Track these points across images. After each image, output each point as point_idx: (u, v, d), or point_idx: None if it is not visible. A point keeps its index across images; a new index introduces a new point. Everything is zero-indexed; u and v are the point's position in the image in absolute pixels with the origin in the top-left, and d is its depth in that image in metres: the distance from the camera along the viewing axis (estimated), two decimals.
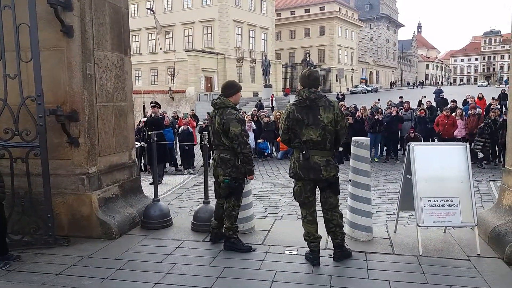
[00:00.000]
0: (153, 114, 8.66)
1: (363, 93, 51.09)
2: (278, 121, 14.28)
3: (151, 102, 8.74)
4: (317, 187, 3.76)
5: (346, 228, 4.47)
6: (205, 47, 41.66)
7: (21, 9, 4.00)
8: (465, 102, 17.32)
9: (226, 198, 4.09)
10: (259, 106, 28.24)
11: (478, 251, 3.97)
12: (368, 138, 4.48)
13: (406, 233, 4.62)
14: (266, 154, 13.70)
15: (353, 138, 4.44)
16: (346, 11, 64.73)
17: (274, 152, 14.31)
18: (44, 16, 4.22)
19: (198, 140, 12.42)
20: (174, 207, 6.26)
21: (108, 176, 4.85)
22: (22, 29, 4.01)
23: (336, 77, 58.37)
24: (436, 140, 12.06)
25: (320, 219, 3.81)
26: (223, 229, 4.19)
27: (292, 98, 34.50)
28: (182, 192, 7.76)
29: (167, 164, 11.04)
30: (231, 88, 4.07)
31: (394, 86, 72.72)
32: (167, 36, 43.59)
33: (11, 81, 4.02)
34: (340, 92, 37.60)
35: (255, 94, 39.80)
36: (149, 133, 8.61)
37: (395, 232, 4.61)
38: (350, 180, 4.44)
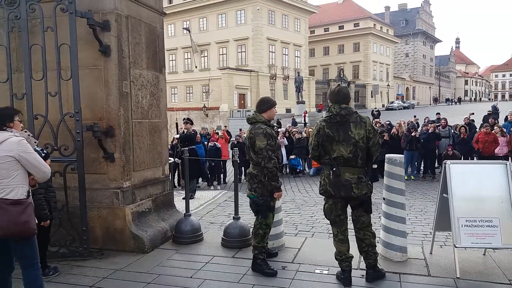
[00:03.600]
0: (185, 131, 8.84)
1: (399, 109, 49.93)
2: (309, 137, 14.19)
3: (184, 119, 8.93)
4: (349, 205, 3.68)
5: (380, 248, 4.33)
6: (239, 65, 42.36)
7: (62, 30, 4.21)
8: (506, 119, 16.55)
9: (255, 215, 4.07)
10: (293, 123, 28.29)
11: None
12: (402, 156, 4.36)
13: (443, 254, 4.41)
14: (298, 170, 13.59)
15: (386, 156, 4.34)
16: (381, 27, 64.09)
17: (307, 168, 14.18)
18: (84, 37, 4.45)
19: (230, 156, 12.54)
20: (205, 222, 6.29)
21: (142, 191, 4.97)
22: (63, 49, 4.23)
23: (371, 93, 57.55)
24: (475, 158, 11.56)
25: (352, 238, 3.71)
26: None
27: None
28: (214, 208, 7.80)
29: (200, 179, 11.19)
30: (265, 104, 4.08)
31: (437, 103, 70.49)
32: (202, 55, 44.73)
33: (51, 98, 4.25)
34: (376, 108, 36.94)
35: (288, 110, 39.82)
36: (182, 149, 8.82)
37: (431, 253, 4.42)
38: (384, 199, 4.32)
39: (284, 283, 3.71)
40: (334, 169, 3.54)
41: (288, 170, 13.53)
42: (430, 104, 68.89)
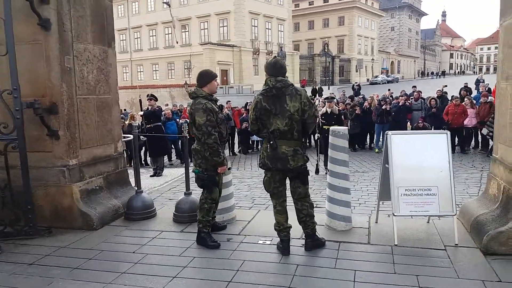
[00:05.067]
0: (149, 107, 8.72)
1: (383, 83, 49.97)
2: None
3: (148, 95, 8.78)
4: (287, 177, 3.70)
5: (325, 218, 4.41)
6: (221, 40, 41.74)
7: None
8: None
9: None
10: None
11: (456, 241, 3.84)
12: (346, 128, 4.38)
13: (387, 223, 4.49)
14: None
15: (331, 128, 4.36)
16: (366, 0, 63.38)
17: None
18: (22, 9, 4.28)
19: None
20: (164, 199, 6.30)
21: (91, 168, 4.92)
22: None
23: (356, 67, 57.33)
24: (445, 129, 11.70)
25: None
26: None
27: (309, 90, 34.01)
28: (178, 185, 7.80)
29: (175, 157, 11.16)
30: (205, 77, 4.01)
31: (424, 76, 70.71)
32: (183, 30, 43.87)
33: None
34: (356, 82, 36.89)
35: None
36: (147, 126, 8.74)
37: (376, 222, 4.51)
38: (328, 170, 4.35)
39: (225, 254, 3.76)
40: (271, 142, 3.54)
41: (256, 145, 13.46)
42: (415, 78, 69.19)
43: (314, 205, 3.87)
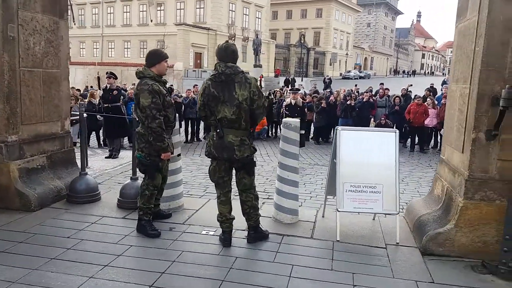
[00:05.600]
0: (108, 85, 8.37)
1: (355, 78, 50.67)
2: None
3: (107, 73, 8.41)
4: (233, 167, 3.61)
5: (272, 210, 4.37)
6: (197, 21, 40.91)
7: None
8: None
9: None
10: None
11: (398, 240, 3.89)
12: (297, 120, 4.32)
13: (334, 218, 4.48)
14: None
15: (283, 120, 4.29)
16: None
17: None
18: None
19: None
20: (113, 183, 6.09)
21: (33, 146, 4.66)
22: None
23: (330, 61, 57.86)
24: (407, 128, 11.96)
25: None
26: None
27: (282, 80, 33.78)
28: (130, 168, 7.55)
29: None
30: (153, 57, 3.82)
31: (396, 74, 72.07)
32: (158, 8, 42.66)
33: None
34: (327, 76, 37.25)
35: (246, 73, 39.25)
36: (105, 105, 8.42)
37: (323, 217, 4.52)
38: (278, 162, 4.30)
39: (164, 244, 3.65)
40: (218, 130, 3.43)
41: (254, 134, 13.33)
42: (386, 75, 70.50)
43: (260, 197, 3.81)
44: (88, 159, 7.53)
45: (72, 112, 5.38)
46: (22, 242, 3.57)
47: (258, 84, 3.52)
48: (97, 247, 3.53)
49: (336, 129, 4.05)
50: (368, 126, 12.56)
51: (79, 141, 7.32)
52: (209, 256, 3.45)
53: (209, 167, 3.66)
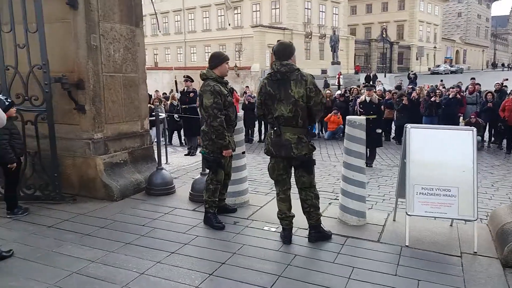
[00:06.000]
0: (185, 88, 8.85)
1: (445, 73, 47.10)
2: (327, 99, 13.83)
3: (184, 76, 8.91)
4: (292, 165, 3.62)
5: (337, 211, 4.29)
6: (273, 22, 41.22)
7: None
8: None
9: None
10: (325, 84, 27.60)
11: (475, 249, 3.56)
12: (363, 118, 4.17)
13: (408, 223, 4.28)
14: (312, 133, 13.38)
15: (347, 117, 4.18)
16: None
17: (324, 132, 13.93)
18: None
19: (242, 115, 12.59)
20: (188, 178, 6.43)
21: (116, 143, 5.13)
22: (30, 2, 4.28)
23: (416, 55, 54.47)
24: (502, 127, 10.82)
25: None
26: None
27: (362, 76, 32.61)
28: None
29: None
30: (215, 59, 3.99)
31: (495, 68, 65.57)
32: (235, 12, 43.83)
33: (21, 50, 4.37)
34: (412, 71, 35.09)
35: (324, 71, 38.71)
36: (183, 107, 8.93)
37: (394, 220, 4.30)
38: (343, 162, 4.21)
39: (227, 236, 3.80)
40: (275, 128, 3.48)
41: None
42: (482, 69, 64.45)
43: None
44: (169, 156, 8.10)
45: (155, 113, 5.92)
46: (104, 228, 3.97)
47: (315, 81, 3.48)
48: (167, 236, 3.79)
49: (406, 127, 3.84)
50: (457, 125, 11.67)
51: (162, 140, 7.90)
52: (268, 251, 3.50)
53: (268, 165, 3.71)
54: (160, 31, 46.09)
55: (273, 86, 3.44)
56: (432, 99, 11.13)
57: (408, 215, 3.75)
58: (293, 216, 3.69)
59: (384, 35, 49.14)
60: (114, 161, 5.06)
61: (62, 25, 4.64)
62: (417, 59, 54.46)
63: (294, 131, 3.43)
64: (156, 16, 39.17)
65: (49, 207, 4.52)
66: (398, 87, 14.93)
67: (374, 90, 9.75)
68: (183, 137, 11.27)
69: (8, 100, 4.00)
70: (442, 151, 3.73)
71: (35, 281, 2.90)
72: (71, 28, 4.62)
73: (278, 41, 3.67)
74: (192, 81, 8.84)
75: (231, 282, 2.97)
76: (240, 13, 44.00)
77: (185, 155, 9.03)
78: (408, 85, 17.19)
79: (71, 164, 4.92)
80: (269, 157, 3.68)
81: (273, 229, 3.98)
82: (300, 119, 3.42)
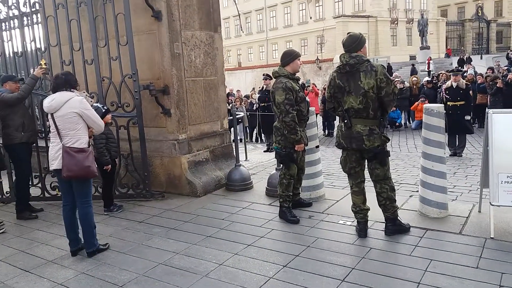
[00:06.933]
0: (264, 86, 9.04)
1: None
2: (414, 87, 13.11)
3: (264, 75, 9.10)
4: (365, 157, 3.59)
5: (417, 203, 4.13)
6: (356, 11, 39.87)
7: (119, 1, 4.77)
8: None
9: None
10: (412, 71, 26.00)
11: None
12: (441, 105, 3.95)
13: (493, 213, 3.97)
14: (397, 124, 12.81)
15: (424, 106, 4.00)
16: None
17: (411, 121, 13.26)
18: (140, 5, 4.98)
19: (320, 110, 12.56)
20: (265, 173, 6.62)
21: (199, 143, 5.52)
22: (121, 18, 4.80)
23: None
24: None
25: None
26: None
27: (455, 60, 30.03)
28: None
29: None
30: (287, 57, 4.09)
31: None
32: (317, 5, 43.26)
33: (114, 62, 4.93)
34: (511, 51, 31.19)
35: (412, 57, 36.35)
36: (261, 105, 9.16)
37: (479, 212, 4.02)
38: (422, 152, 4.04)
39: (301, 230, 3.89)
40: (346, 121, 3.48)
41: (386, 123, 12.84)
42: None
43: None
44: (248, 153, 8.42)
45: (236, 112, 6.28)
46: (188, 222, 4.33)
47: (385, 71, 3.40)
48: (244, 229, 4.01)
49: (487, 113, 3.57)
50: None
51: (241, 138, 8.24)
52: (342, 244, 3.52)
53: (340, 158, 3.72)
54: (243, 31, 47.36)
55: (342, 79, 3.45)
56: None
57: (492, 205, 3.50)
58: (368, 209, 3.66)
59: (479, 14, 44.56)
60: (197, 160, 5.46)
61: (148, 36, 5.13)
62: None
63: (365, 122, 3.41)
64: (239, 17, 40.38)
65: (140, 204, 5.04)
66: (491, 69, 13.57)
67: (462, 74, 9.01)
68: (263, 135, 11.57)
69: (105, 107, 4.56)
70: None
71: (127, 271, 3.27)
72: (156, 38, 5.08)
73: (348, 33, 3.65)
74: (271, 79, 9.01)
75: (305, 274, 3.05)
76: (321, 5, 43.24)
77: (264, 151, 9.28)
78: (505, 66, 15.50)
79: (160, 163, 5.42)
80: (341, 150, 3.70)
81: (349, 223, 3.98)
82: (371, 110, 3.38)
